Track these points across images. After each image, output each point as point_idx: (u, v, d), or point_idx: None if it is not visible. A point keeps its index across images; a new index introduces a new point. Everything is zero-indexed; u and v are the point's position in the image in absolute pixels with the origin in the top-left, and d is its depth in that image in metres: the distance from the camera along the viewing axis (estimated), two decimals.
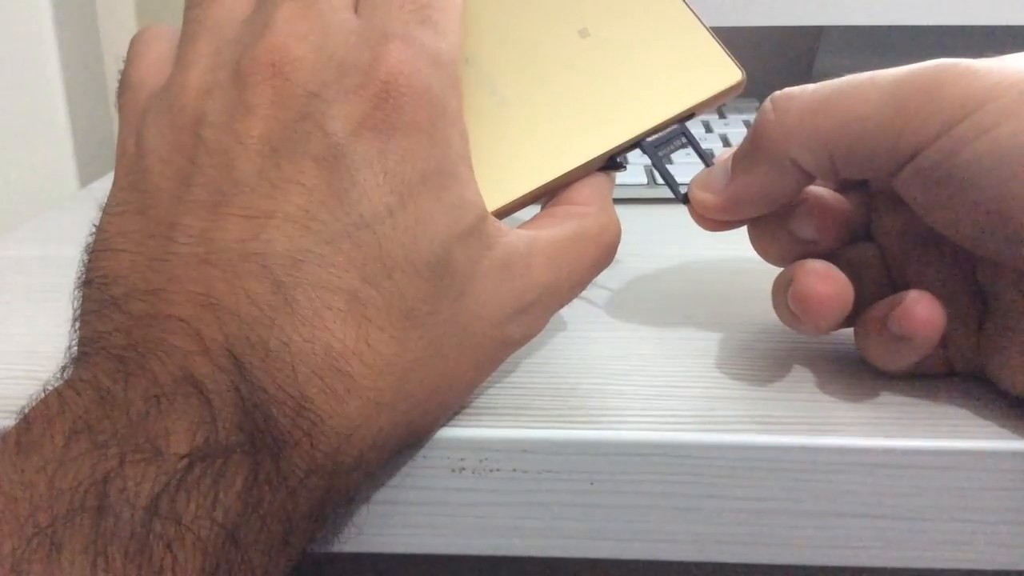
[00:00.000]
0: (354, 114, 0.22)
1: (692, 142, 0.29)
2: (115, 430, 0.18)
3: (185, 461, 0.18)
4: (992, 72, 0.22)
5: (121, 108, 0.25)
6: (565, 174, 0.27)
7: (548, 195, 0.27)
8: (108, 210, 0.23)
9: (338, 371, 0.21)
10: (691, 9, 0.29)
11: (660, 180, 0.43)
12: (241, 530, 0.19)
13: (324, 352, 0.20)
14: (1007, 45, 0.28)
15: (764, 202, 0.27)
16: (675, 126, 0.28)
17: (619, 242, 0.27)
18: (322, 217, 0.21)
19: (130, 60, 0.26)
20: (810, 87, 0.25)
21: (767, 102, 0.26)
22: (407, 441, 0.23)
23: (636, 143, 0.28)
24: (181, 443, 0.18)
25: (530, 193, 0.26)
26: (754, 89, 0.67)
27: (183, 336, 0.20)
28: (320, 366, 0.20)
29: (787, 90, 0.25)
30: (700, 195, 0.28)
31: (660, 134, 0.28)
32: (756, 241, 0.29)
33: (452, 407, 0.25)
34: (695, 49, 0.28)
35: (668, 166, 0.29)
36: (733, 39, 0.70)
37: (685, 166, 0.44)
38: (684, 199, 0.28)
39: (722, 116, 0.53)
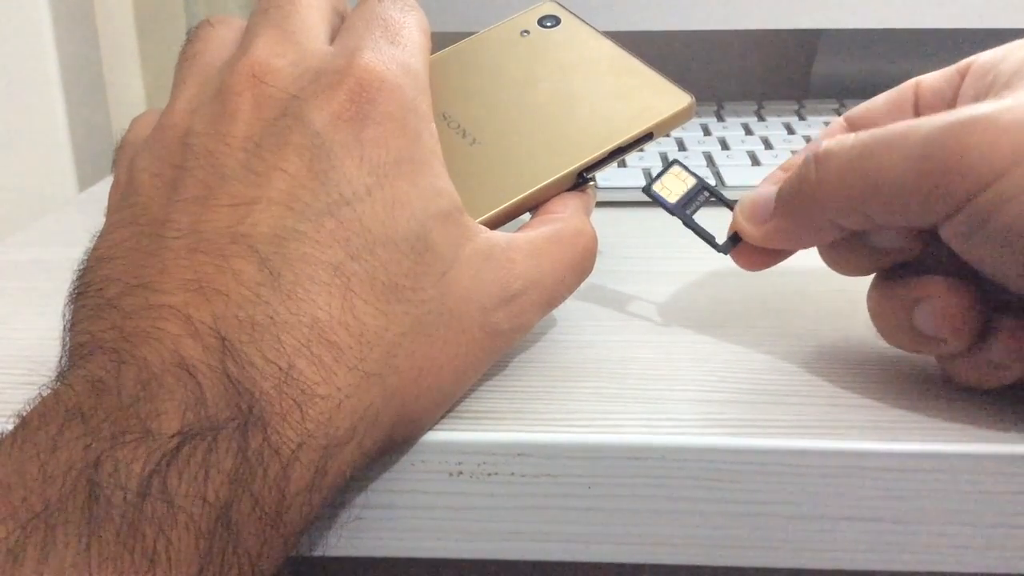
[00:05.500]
0: (331, 107, 0.24)
1: (714, 193, 0.31)
2: (106, 415, 0.19)
3: (175, 440, 0.19)
4: (1019, 130, 0.21)
5: (116, 162, 0.27)
6: (537, 190, 0.29)
7: (528, 211, 0.29)
8: (101, 232, 0.24)
9: (325, 341, 0.21)
10: (634, 55, 0.32)
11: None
12: (233, 508, 0.19)
13: (310, 323, 0.21)
14: None
15: (804, 246, 0.28)
16: (695, 183, 0.31)
17: (596, 249, 0.28)
18: (304, 198, 0.23)
19: (128, 130, 0.27)
20: (848, 140, 0.25)
21: (811, 158, 0.26)
22: (403, 425, 0.24)
23: (599, 162, 0.30)
24: (171, 422, 0.19)
25: (508, 207, 0.28)
26: (753, 92, 0.67)
27: (174, 322, 0.21)
28: (307, 336, 0.21)
29: (827, 146, 0.25)
30: (745, 225, 0.29)
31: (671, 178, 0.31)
32: (830, 251, 0.28)
33: (446, 394, 0.25)
34: (644, 83, 0.31)
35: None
36: (732, 43, 0.71)
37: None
38: (724, 250, 0.30)
39: (720, 119, 0.53)
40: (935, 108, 0.28)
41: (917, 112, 0.29)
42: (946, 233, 0.23)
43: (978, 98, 0.26)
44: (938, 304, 0.24)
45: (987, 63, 0.27)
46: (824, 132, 0.31)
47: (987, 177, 0.21)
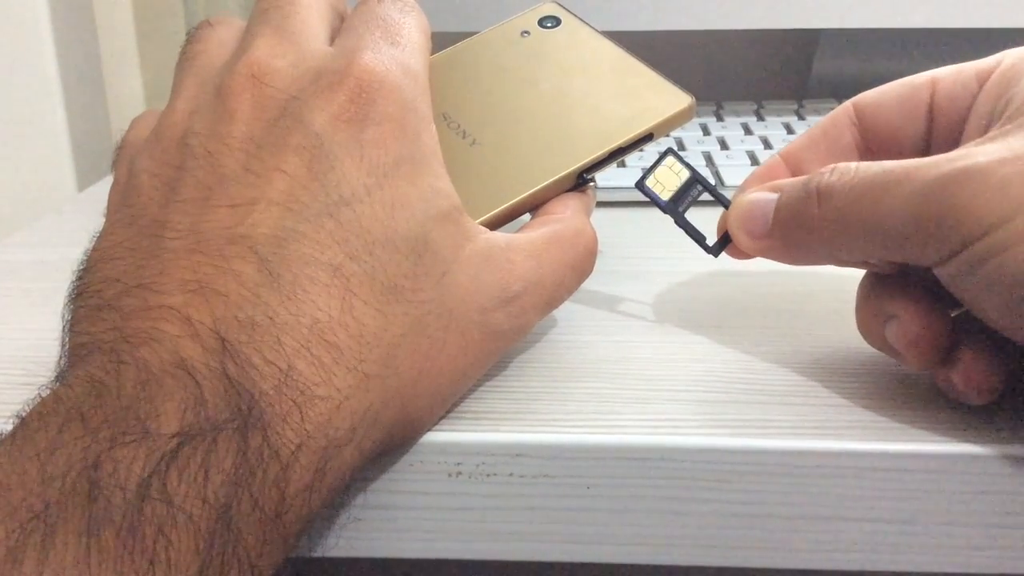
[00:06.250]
0: (330, 107, 0.24)
1: (708, 188, 0.31)
2: (106, 416, 0.19)
3: (175, 441, 0.19)
4: (1013, 185, 0.22)
5: (116, 162, 0.27)
6: (537, 191, 0.29)
7: (528, 212, 0.29)
8: (100, 233, 0.24)
9: (324, 342, 0.21)
10: (634, 55, 0.32)
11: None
12: (233, 508, 0.19)
13: (310, 324, 0.21)
14: (1003, 48, 0.28)
15: (799, 265, 0.28)
16: (689, 176, 0.31)
17: (596, 249, 0.28)
18: (304, 199, 0.23)
19: (128, 130, 0.27)
20: (849, 174, 0.25)
21: (813, 190, 0.26)
22: (402, 426, 0.24)
23: (599, 163, 0.30)
24: (170, 423, 0.19)
25: (508, 207, 0.28)
26: (752, 91, 0.67)
27: (173, 323, 0.21)
28: (306, 337, 0.21)
29: (829, 182, 0.25)
30: (739, 236, 0.29)
31: (660, 168, 0.31)
32: None
33: (445, 395, 0.25)
34: (644, 84, 0.31)
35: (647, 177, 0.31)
36: (732, 43, 0.71)
37: None
38: (714, 253, 0.30)
39: (720, 119, 0.53)
40: (949, 117, 0.28)
41: (931, 118, 0.28)
42: (939, 273, 0.23)
43: (989, 120, 0.26)
44: (905, 326, 0.25)
45: (1007, 75, 0.26)
46: (830, 119, 0.30)
47: (980, 230, 0.22)
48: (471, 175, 0.28)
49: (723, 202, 0.30)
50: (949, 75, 0.28)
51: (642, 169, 0.31)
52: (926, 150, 0.29)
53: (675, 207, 0.30)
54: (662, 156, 0.31)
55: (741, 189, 0.30)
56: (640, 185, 0.31)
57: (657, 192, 0.31)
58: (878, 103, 0.30)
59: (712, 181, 0.38)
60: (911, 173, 0.23)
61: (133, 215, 0.24)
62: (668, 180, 0.31)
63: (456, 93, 0.31)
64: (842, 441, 0.24)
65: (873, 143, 0.30)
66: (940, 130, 0.28)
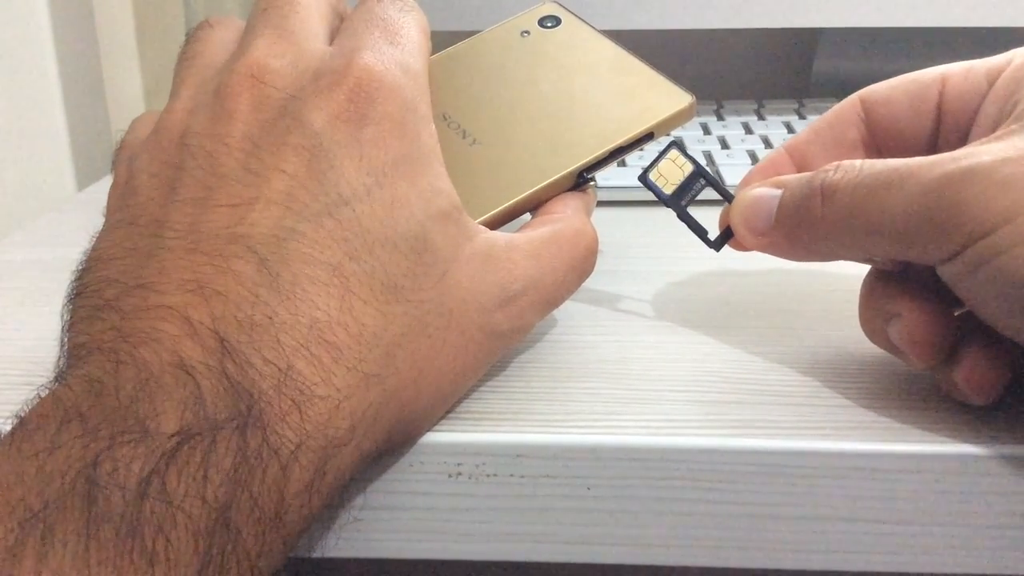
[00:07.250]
0: (329, 107, 0.24)
1: (711, 182, 0.31)
2: (105, 415, 0.19)
3: (174, 440, 0.19)
4: (1016, 184, 0.22)
5: (115, 163, 0.27)
6: (537, 190, 0.29)
7: (528, 211, 0.29)
8: (99, 233, 0.24)
9: (324, 342, 0.21)
10: (634, 54, 0.32)
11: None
12: (232, 508, 0.19)
13: (309, 324, 0.21)
14: (1004, 47, 0.28)
15: (801, 261, 0.28)
16: (692, 170, 0.31)
17: (596, 248, 0.28)
18: (303, 198, 0.23)
19: (128, 131, 0.27)
20: (853, 172, 0.25)
21: (818, 188, 0.26)
22: (402, 426, 0.23)
23: (600, 162, 0.30)
24: (170, 422, 0.19)
25: (508, 207, 0.28)
26: (753, 90, 0.67)
27: (172, 322, 0.21)
28: (305, 337, 0.21)
29: (834, 180, 0.25)
30: (742, 231, 0.29)
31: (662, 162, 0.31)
32: None
33: (445, 395, 0.25)
34: (644, 83, 0.31)
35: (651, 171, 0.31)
36: (732, 42, 0.71)
37: None
38: (716, 247, 0.30)
39: (720, 118, 0.53)
40: (958, 115, 0.28)
41: (939, 116, 0.28)
42: (942, 272, 0.23)
43: (997, 120, 0.26)
44: (908, 325, 0.25)
45: (1016, 75, 0.26)
46: (835, 112, 0.30)
47: (982, 229, 0.22)
48: (471, 175, 0.28)
49: (726, 196, 0.30)
50: (959, 73, 0.28)
51: (643, 167, 0.31)
52: (933, 147, 0.29)
53: (677, 201, 0.30)
54: (666, 149, 0.31)
55: (744, 183, 0.30)
56: (643, 178, 0.31)
57: (660, 185, 0.30)
58: (886, 99, 0.29)
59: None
60: (915, 171, 0.23)
61: (132, 215, 0.24)
62: (671, 173, 0.31)
63: (456, 93, 0.31)
64: (843, 441, 0.24)
65: (879, 138, 0.30)
66: (948, 128, 0.28)
